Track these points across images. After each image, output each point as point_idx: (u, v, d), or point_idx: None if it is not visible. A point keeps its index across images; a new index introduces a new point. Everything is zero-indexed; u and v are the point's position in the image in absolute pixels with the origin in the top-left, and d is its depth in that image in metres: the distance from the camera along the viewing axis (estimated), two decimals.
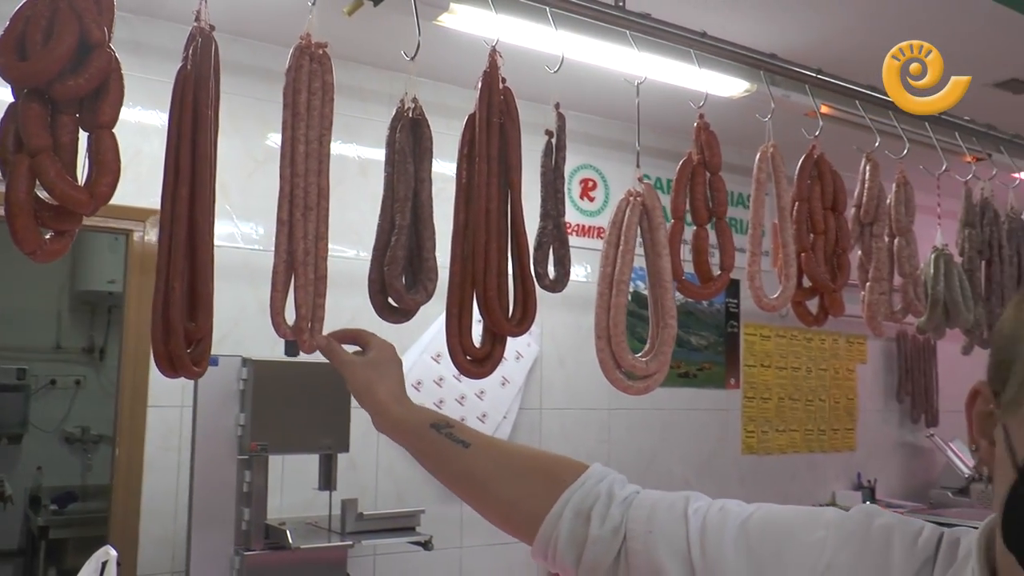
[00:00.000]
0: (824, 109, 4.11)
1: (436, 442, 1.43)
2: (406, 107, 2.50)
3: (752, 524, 1.15)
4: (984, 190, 3.93)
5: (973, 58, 4.70)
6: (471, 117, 2.59)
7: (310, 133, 2.33)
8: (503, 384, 5.00)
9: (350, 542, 4.02)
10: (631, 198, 2.80)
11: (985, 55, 4.66)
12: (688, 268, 3.05)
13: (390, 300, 2.43)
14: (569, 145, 5.40)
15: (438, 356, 4.83)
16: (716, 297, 5.94)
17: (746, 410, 6.06)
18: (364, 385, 1.60)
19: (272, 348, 4.19)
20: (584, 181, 5.43)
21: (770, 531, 1.13)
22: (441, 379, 4.81)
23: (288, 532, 3.88)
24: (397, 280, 2.38)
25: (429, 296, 2.43)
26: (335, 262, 4.33)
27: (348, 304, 4.35)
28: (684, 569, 1.15)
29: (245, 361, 4.00)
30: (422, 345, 4.81)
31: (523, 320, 2.57)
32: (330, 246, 4.16)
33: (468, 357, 2.53)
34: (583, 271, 5.18)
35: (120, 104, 2.02)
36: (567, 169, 5.37)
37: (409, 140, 2.47)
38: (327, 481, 4.17)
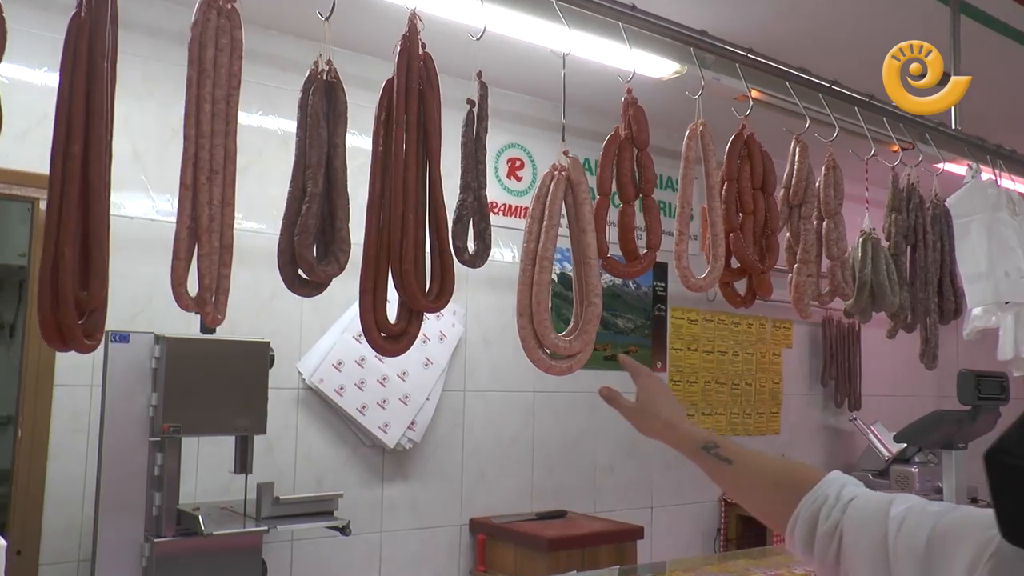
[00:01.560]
0: (755, 94, 4.04)
1: (708, 461, 1.68)
2: (320, 69, 2.34)
3: (940, 527, 1.24)
4: (910, 176, 3.89)
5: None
6: (389, 83, 2.44)
7: (216, 92, 2.17)
8: (426, 365, 4.86)
9: (265, 527, 3.86)
10: (556, 172, 2.68)
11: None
12: (615, 249, 2.93)
13: (300, 272, 2.27)
14: (497, 124, 5.28)
15: (359, 336, 4.66)
16: (643, 279, 5.90)
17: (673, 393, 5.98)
18: (643, 427, 1.88)
19: (189, 326, 4.04)
20: (512, 160, 5.31)
21: (953, 530, 1.22)
22: (363, 359, 4.65)
23: (200, 518, 3.70)
24: (308, 251, 2.23)
25: (341, 268, 2.28)
26: (254, 238, 4.23)
27: (268, 280, 4.19)
28: (880, 567, 1.28)
29: (158, 338, 3.80)
30: (343, 324, 4.65)
31: (440, 296, 2.44)
32: (249, 222, 4.03)
33: (383, 334, 2.39)
34: (510, 252, 5.06)
35: None
36: (494, 148, 5.33)
37: (323, 103, 2.31)
38: (243, 464, 4.00)
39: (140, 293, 4.15)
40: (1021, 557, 1.08)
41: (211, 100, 2.15)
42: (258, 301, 4.43)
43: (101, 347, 3.75)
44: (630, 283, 5.83)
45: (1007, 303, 4.06)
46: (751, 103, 3.26)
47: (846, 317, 3.72)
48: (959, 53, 4.01)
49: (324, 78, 2.33)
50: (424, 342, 4.87)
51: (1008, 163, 4.33)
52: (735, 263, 3.19)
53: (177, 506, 3.82)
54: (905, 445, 6.19)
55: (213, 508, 4.10)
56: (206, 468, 4.30)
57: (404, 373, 4.78)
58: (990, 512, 1.15)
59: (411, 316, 2.42)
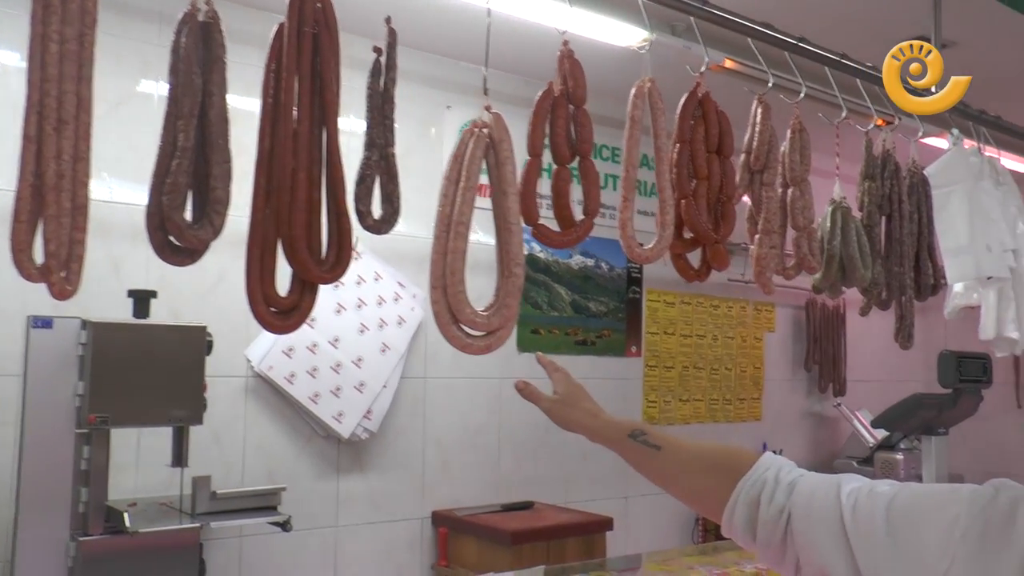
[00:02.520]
0: (727, 64, 3.74)
1: (635, 449, 1.62)
2: (196, 8, 2.04)
3: (896, 505, 1.21)
4: (885, 142, 3.57)
5: (877, 15, 4.37)
6: (280, 27, 2.14)
7: (67, 30, 1.88)
8: (383, 351, 4.55)
9: (198, 524, 3.56)
10: (476, 129, 2.38)
11: (892, 14, 4.33)
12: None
13: (171, 237, 1.98)
14: (461, 100, 5.03)
15: (312, 320, 4.35)
16: (617, 260, 5.58)
17: (648, 379, 5.68)
18: (566, 419, 1.82)
19: (121, 310, 3.75)
20: None
21: (912, 510, 1.19)
22: (315, 345, 4.35)
23: (126, 515, 3.41)
24: (178, 212, 1.93)
25: (216, 232, 1.98)
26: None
27: (213, 263, 3.90)
28: (841, 547, 1.24)
29: (85, 323, 3.51)
30: None
31: (337, 265, 2.13)
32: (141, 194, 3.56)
33: (271, 308, 2.10)
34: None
35: None
36: (458, 124, 5.01)
37: (197, 47, 2.01)
38: (179, 457, 3.71)
39: None
40: (990, 535, 1.09)
41: (59, 40, 1.86)
42: (202, 286, 4.14)
43: (23, 333, 3.51)
44: (602, 264, 5.51)
45: (989, 279, 3.75)
46: (706, 57, 2.95)
47: (814, 293, 3.41)
48: (940, 19, 3.71)
49: (199, 19, 2.03)
50: (381, 327, 4.57)
51: (992, 130, 4.01)
52: (688, 233, 2.89)
53: (107, 502, 3.53)
54: (887, 431, 5.89)
55: (150, 504, 3.81)
56: (146, 461, 4.00)
57: (359, 360, 4.48)
58: (943, 488, 1.21)
59: (304, 288, 2.13)
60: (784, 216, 3.13)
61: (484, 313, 2.33)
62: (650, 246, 2.72)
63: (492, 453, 5.05)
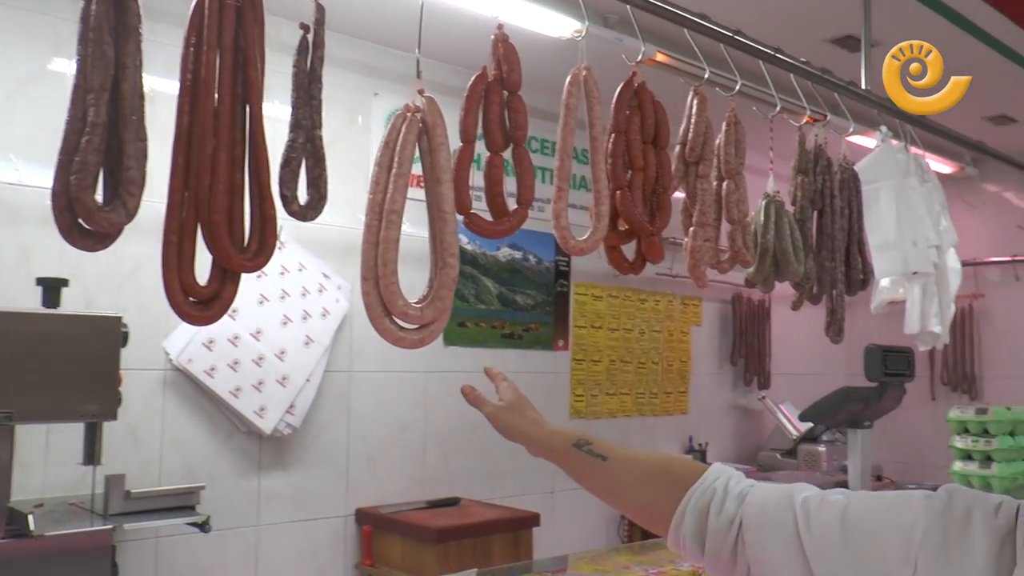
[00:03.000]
0: (659, 57, 3.69)
1: (579, 459, 1.56)
2: None
3: (850, 513, 1.20)
4: (818, 137, 3.54)
5: (808, 13, 4.36)
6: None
7: None
8: (307, 344, 4.40)
9: (110, 526, 3.38)
10: (408, 114, 2.26)
11: (820, 11, 4.33)
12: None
13: (79, 219, 1.83)
14: (389, 87, 4.89)
15: (234, 311, 4.18)
16: (544, 253, 5.50)
17: (575, 373, 5.62)
18: (509, 426, 1.75)
19: (31, 299, 3.54)
20: None
21: (866, 519, 1.19)
22: (236, 337, 4.17)
23: (31, 517, 3.20)
24: (87, 193, 1.78)
25: (130, 214, 1.83)
26: None
27: (130, 252, 3.73)
28: (796, 557, 1.22)
29: None
30: None
31: (260, 253, 2.00)
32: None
33: (190, 298, 1.96)
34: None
35: None
36: (386, 112, 4.88)
37: (109, 15, 1.85)
38: (91, 455, 3.51)
39: None
40: (949, 541, 1.09)
41: None
42: (118, 274, 3.94)
43: None
44: (530, 257, 5.42)
45: (915, 274, 3.76)
46: (642, 47, 2.88)
47: (747, 286, 3.36)
48: (871, 19, 3.70)
49: None
50: (305, 319, 4.41)
51: (917, 129, 4.03)
52: (623, 225, 2.81)
53: (10, 504, 3.32)
54: (812, 424, 5.92)
55: (59, 504, 3.61)
56: (56, 459, 3.79)
57: (282, 352, 4.32)
58: (895, 495, 1.20)
59: (224, 277, 1.99)
60: (719, 209, 3.07)
61: (418, 305, 2.21)
62: (584, 238, 2.64)
63: (418, 449, 4.93)
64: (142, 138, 1.90)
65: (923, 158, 4.10)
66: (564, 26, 3.96)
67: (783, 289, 3.73)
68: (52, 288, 3.48)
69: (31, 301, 3.45)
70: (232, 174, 1.95)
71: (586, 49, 2.85)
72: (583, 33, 2.77)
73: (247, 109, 2.01)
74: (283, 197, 2.08)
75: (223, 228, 1.91)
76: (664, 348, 6.18)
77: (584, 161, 5.48)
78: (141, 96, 1.91)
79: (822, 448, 5.72)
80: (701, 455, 6.09)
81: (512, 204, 2.54)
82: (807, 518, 1.24)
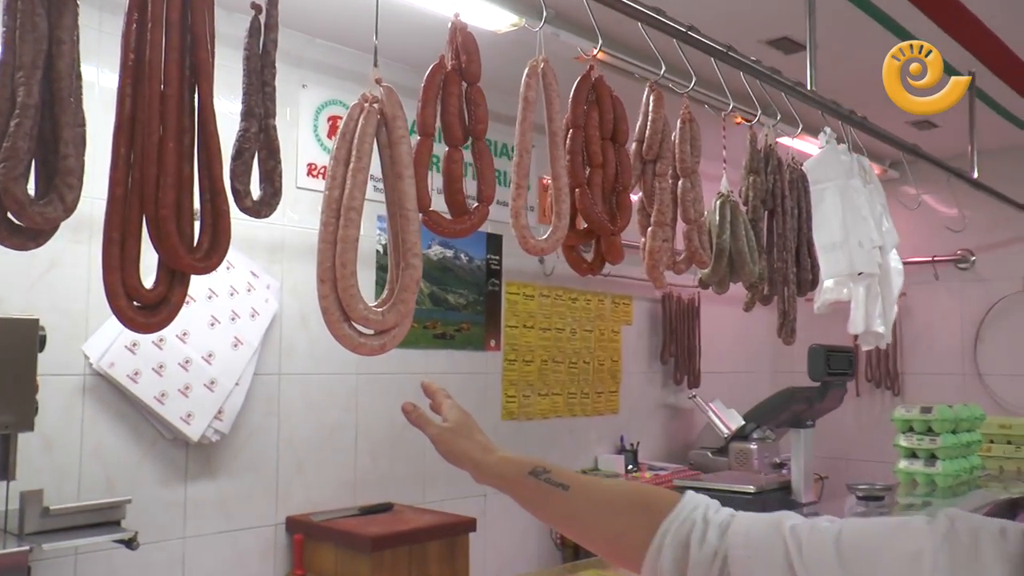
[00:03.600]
0: (600, 56, 3.57)
1: (536, 489, 1.45)
2: None
3: (844, 541, 1.14)
4: (768, 137, 3.47)
5: (745, 15, 4.31)
6: None
7: None
8: (235, 346, 4.17)
9: (27, 547, 3.11)
10: (366, 104, 2.09)
11: (757, 12, 4.28)
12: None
13: (9, 215, 1.61)
14: (317, 79, 4.67)
15: None
16: (475, 251, 5.35)
17: (507, 373, 5.48)
18: (455, 449, 1.60)
19: None
20: (333, 119, 4.65)
21: (863, 547, 1.13)
22: (161, 339, 3.92)
23: None
24: (17, 184, 1.56)
25: (68, 209, 1.62)
26: None
27: (44, 246, 3.47)
28: None
29: None
30: None
31: (212, 251, 1.80)
32: None
33: (135, 302, 1.75)
34: None
35: None
36: (312, 104, 4.67)
37: None
38: (4, 469, 3.24)
39: None
40: (959, 567, 1.04)
41: None
42: (32, 272, 3.65)
43: None
44: (461, 255, 5.26)
45: (860, 274, 3.72)
46: (600, 39, 2.75)
47: (701, 287, 3.27)
48: (814, 20, 3.65)
49: None
50: (233, 320, 4.18)
51: (859, 130, 3.99)
52: (581, 224, 2.68)
53: None
54: (744, 422, 5.90)
55: None
56: None
57: (210, 355, 4.08)
58: (891, 521, 1.16)
59: (172, 279, 1.79)
60: (675, 209, 2.96)
61: (379, 310, 2.04)
62: (544, 237, 2.49)
63: (348, 453, 4.73)
64: (80, 123, 1.69)
65: (865, 160, 4.07)
66: (500, 19, 3.83)
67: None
68: None
69: None
70: (181, 165, 1.75)
71: (516, 46, 2.71)
72: (541, 23, 2.61)
73: (196, 94, 1.81)
74: (235, 192, 1.88)
75: (171, 224, 1.71)
76: (595, 347, 6.09)
77: (496, 153, 5.38)
78: (79, 76, 1.69)
79: (753, 446, 5.69)
80: (633, 455, 6.02)
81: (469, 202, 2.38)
82: (798, 545, 1.18)
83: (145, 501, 3.84)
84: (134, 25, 1.77)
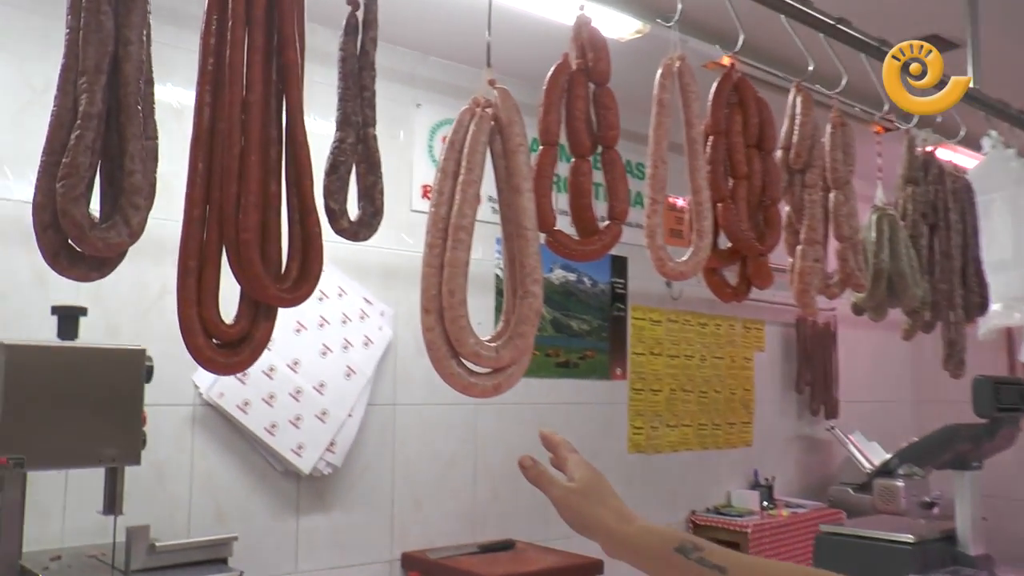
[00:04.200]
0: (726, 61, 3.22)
1: (685, 570, 1.15)
2: None
3: None
4: (926, 142, 3.05)
5: (889, 13, 3.89)
6: None
7: None
8: (348, 376, 3.95)
9: None
10: (478, 109, 1.80)
11: (903, 8, 3.85)
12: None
13: (70, 240, 1.38)
14: (431, 98, 4.44)
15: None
16: (599, 274, 5.02)
17: (633, 403, 5.12)
18: (583, 516, 1.29)
19: (49, 330, 3.13)
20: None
21: None
22: (272, 369, 3.73)
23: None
24: (77, 205, 1.33)
25: (133, 233, 1.38)
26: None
27: (156, 274, 3.37)
28: None
29: None
30: None
31: (302, 281, 1.54)
32: None
33: (213, 339, 1.51)
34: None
35: None
36: (427, 124, 4.45)
37: None
38: (112, 503, 3.08)
39: None
40: None
41: None
42: (144, 300, 3.52)
43: None
44: (585, 279, 4.95)
45: None
46: (741, 34, 2.41)
47: (855, 313, 2.87)
48: (977, 12, 3.23)
49: None
50: (346, 348, 3.97)
51: None
52: (724, 243, 2.33)
53: (19, 559, 2.89)
54: (888, 456, 5.38)
55: (77, 557, 3.17)
56: (77, 503, 3.36)
57: (322, 385, 3.87)
58: None
59: (257, 313, 1.53)
60: (827, 224, 2.58)
61: (493, 344, 1.74)
62: (684, 259, 2.16)
63: (467, 486, 4.45)
64: (152, 135, 1.45)
65: None
66: (623, 26, 3.52)
67: (847, 309, 3.25)
68: (69, 318, 3.08)
69: (48, 331, 3.05)
70: (265, 182, 1.50)
71: (646, 55, 2.39)
72: (675, 18, 2.29)
73: (284, 100, 1.56)
74: (329, 211, 1.62)
75: (254, 250, 1.45)
76: (726, 376, 5.67)
77: (640, 176, 5.06)
78: (149, 81, 1.46)
79: (900, 483, 5.15)
80: (768, 490, 5.56)
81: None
82: None
83: (255, 534, 3.65)
84: (214, 26, 1.53)
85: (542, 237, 1.92)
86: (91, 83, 1.36)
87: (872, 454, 5.55)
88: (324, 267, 3.84)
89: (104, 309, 3.40)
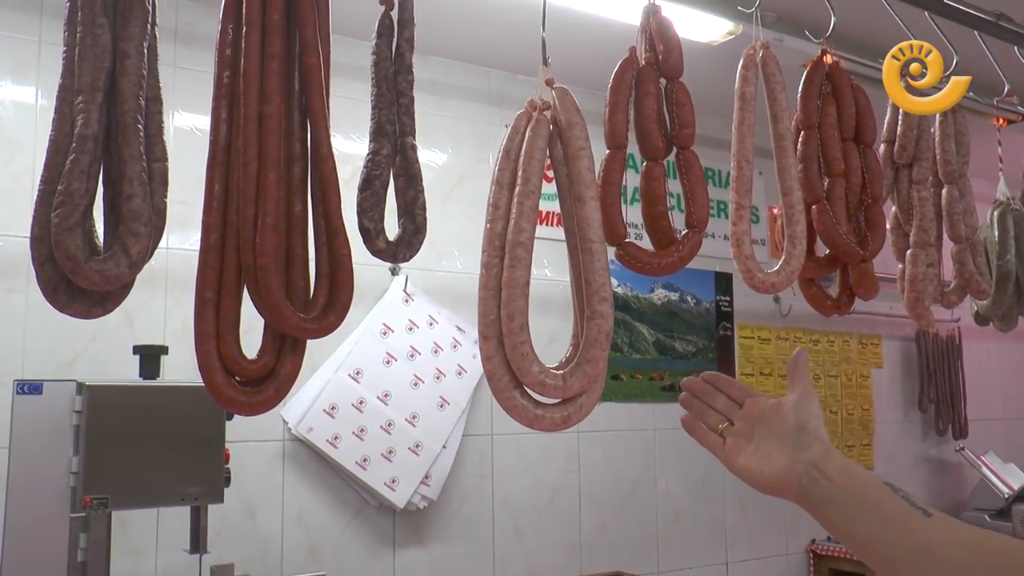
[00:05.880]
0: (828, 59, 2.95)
1: (888, 502, 1.03)
2: None
3: None
4: None
5: None
6: None
7: None
8: (442, 406, 3.77)
9: None
10: (534, 112, 1.60)
11: None
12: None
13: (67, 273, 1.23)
14: (484, 110, 4.26)
15: (357, 373, 3.62)
16: (703, 292, 4.74)
17: None
18: (807, 420, 1.15)
19: (134, 369, 3.07)
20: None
21: None
22: (362, 402, 3.59)
23: None
24: (70, 236, 1.18)
25: (134, 263, 1.22)
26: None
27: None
28: None
29: (80, 387, 2.82)
30: (338, 360, 3.60)
31: (329, 309, 1.35)
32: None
33: (235, 376, 1.34)
34: (543, 265, 4.00)
35: None
36: None
37: None
38: (196, 542, 2.98)
39: (83, 330, 3.19)
40: None
41: None
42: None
43: (8, 400, 2.84)
44: (688, 298, 4.67)
45: None
46: (833, 16, 2.14)
47: (978, 323, 2.53)
48: None
49: None
50: (438, 379, 3.80)
51: None
52: (821, 249, 2.06)
53: None
54: None
55: None
56: (168, 542, 3.27)
57: (414, 417, 3.71)
58: None
59: (282, 346, 1.36)
60: (940, 225, 2.27)
61: (559, 372, 1.52)
62: (775, 269, 1.90)
63: (571, 516, 4.22)
64: (159, 156, 1.29)
65: None
66: (714, 28, 3.27)
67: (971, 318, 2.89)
68: (150, 357, 3.01)
69: (133, 372, 2.99)
70: (288, 201, 1.32)
71: (738, 58, 2.15)
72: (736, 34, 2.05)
73: (306, 112, 1.39)
74: (363, 230, 1.43)
75: (273, 276, 1.27)
76: (843, 395, 5.28)
77: (721, 184, 4.76)
78: (156, 99, 1.31)
79: None
80: None
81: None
82: None
83: (350, 571, 3.52)
84: (229, 36, 1.37)
85: (612, 251, 1.69)
86: (87, 102, 1.21)
87: (1010, 477, 5.07)
88: (415, 296, 3.73)
89: (190, 347, 3.31)
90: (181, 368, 3.28)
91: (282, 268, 1.30)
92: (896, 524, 1.02)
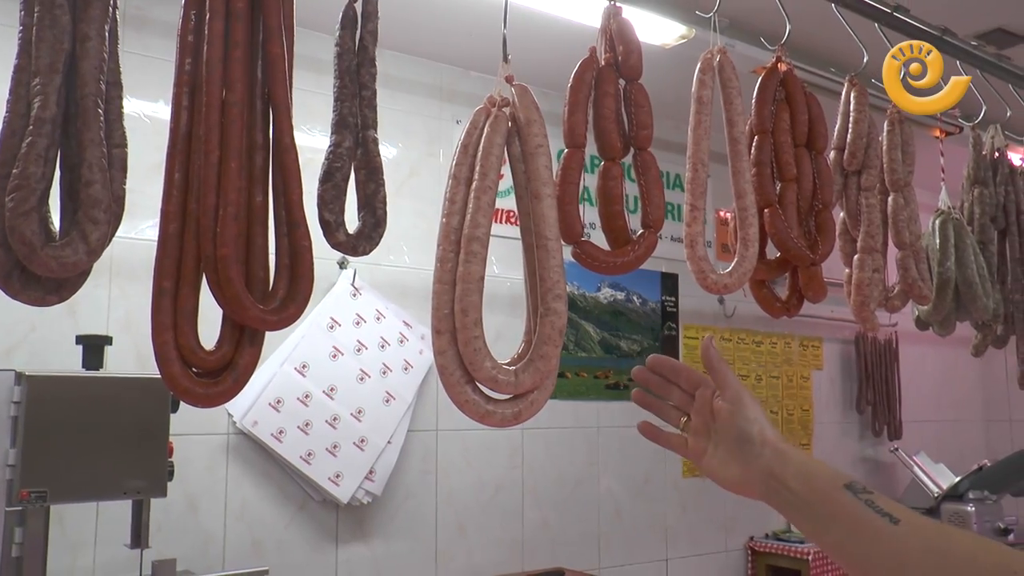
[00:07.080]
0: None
1: (851, 509, 0.97)
2: None
3: None
4: (995, 140, 2.78)
5: (946, 5, 3.62)
6: None
7: None
8: (387, 401, 3.76)
9: None
10: (493, 108, 1.61)
11: (966, 1, 3.58)
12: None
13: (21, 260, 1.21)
14: (435, 105, 4.26)
15: (303, 367, 3.59)
16: (650, 292, 4.79)
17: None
18: (750, 422, 1.11)
19: (76, 359, 3.01)
20: None
21: None
22: (307, 396, 3.56)
23: None
24: (26, 221, 1.16)
25: (92, 250, 1.20)
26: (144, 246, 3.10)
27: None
28: None
29: (19, 377, 2.75)
30: (283, 353, 3.57)
31: (289, 301, 1.35)
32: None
33: (192, 368, 1.32)
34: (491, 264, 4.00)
35: None
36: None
37: None
38: (138, 536, 2.94)
39: (22, 318, 3.12)
40: None
41: None
42: None
43: None
44: (634, 298, 4.72)
45: None
46: (788, 24, 2.18)
47: (918, 328, 2.60)
48: None
49: None
50: (384, 373, 3.78)
51: None
52: (771, 252, 2.10)
53: None
54: (957, 479, 5.05)
55: None
56: (108, 538, 3.22)
57: (360, 412, 3.69)
58: None
59: (240, 338, 1.35)
60: (886, 231, 2.33)
61: (511, 368, 1.53)
62: (728, 271, 1.93)
63: (514, 513, 4.23)
64: (119, 142, 1.28)
65: None
66: (666, 32, 3.31)
67: (909, 323, 2.96)
68: (93, 348, 2.95)
69: (76, 362, 2.93)
70: (249, 191, 1.31)
71: (692, 60, 2.18)
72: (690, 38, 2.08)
73: (269, 101, 1.38)
74: (324, 223, 1.43)
75: (233, 267, 1.26)
76: (783, 396, 5.37)
77: (670, 186, 4.81)
78: (116, 83, 1.29)
79: (970, 508, 4.82)
80: None
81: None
82: None
83: (293, 566, 3.49)
84: (191, 22, 1.35)
85: (568, 249, 1.71)
86: (44, 84, 1.19)
87: (939, 477, 5.20)
88: (362, 291, 3.71)
89: (134, 338, 3.26)
90: (124, 359, 3.23)
91: (242, 259, 1.29)
92: (864, 533, 1.00)
